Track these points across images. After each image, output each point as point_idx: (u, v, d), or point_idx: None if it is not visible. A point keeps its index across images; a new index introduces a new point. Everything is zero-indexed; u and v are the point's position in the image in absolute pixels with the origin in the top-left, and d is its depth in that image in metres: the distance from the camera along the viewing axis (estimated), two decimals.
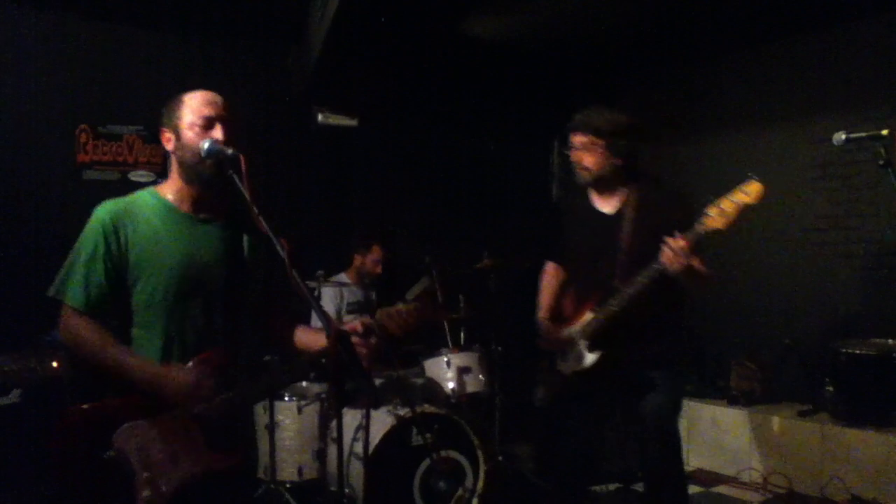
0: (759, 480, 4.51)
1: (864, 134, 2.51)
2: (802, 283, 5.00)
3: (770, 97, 5.20)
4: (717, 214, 2.53)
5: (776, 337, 5.05)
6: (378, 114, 5.31)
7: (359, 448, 3.58)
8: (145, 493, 1.90)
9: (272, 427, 3.73)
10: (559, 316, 3.19)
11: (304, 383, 4.16)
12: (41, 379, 3.25)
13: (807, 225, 5.00)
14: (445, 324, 4.55)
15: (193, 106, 2.12)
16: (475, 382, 4.27)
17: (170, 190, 2.17)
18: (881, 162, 2.45)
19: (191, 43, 4.78)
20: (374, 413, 3.61)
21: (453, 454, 3.74)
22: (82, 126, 4.35)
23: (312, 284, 4.23)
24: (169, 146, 2.15)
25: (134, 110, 4.42)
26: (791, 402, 4.76)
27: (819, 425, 4.35)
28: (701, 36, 5.30)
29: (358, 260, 4.94)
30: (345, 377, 1.98)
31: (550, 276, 3.32)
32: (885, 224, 4.56)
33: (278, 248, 1.94)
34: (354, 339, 2.07)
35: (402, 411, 3.69)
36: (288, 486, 3.78)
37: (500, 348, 4.49)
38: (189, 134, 2.10)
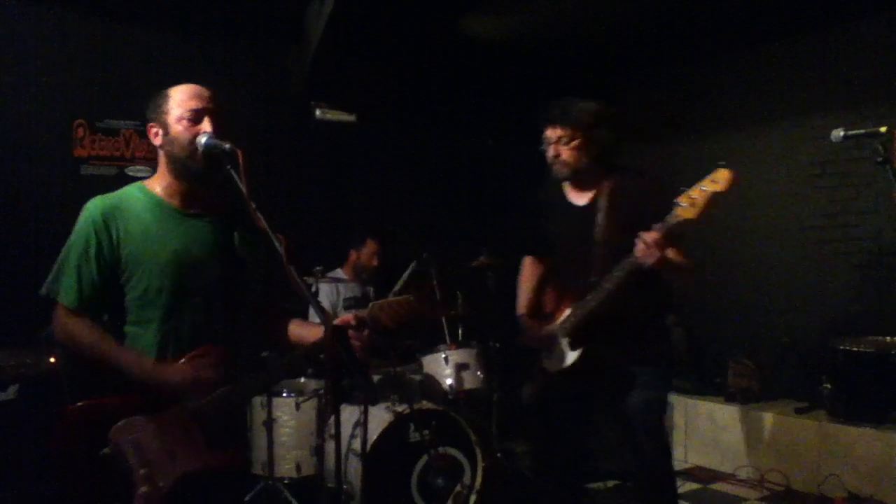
0: (757, 478, 4.52)
1: (862, 131, 2.51)
2: (800, 280, 5.01)
3: (769, 96, 5.20)
4: (689, 204, 2.48)
5: (774, 334, 5.06)
6: (376, 111, 5.30)
7: (357, 444, 3.58)
8: (143, 489, 1.91)
9: (270, 423, 3.72)
10: (540, 312, 3.16)
11: (301, 379, 4.16)
12: (38, 375, 3.24)
13: (805, 223, 5.00)
14: (443, 320, 4.55)
15: (180, 99, 2.10)
16: (473, 379, 4.27)
17: (159, 185, 2.15)
18: (879, 159, 2.45)
19: (190, 42, 4.77)
20: (372, 409, 3.62)
21: (451, 451, 3.74)
22: (79, 121, 4.34)
23: (310, 280, 4.23)
24: (157, 141, 2.14)
25: (131, 105, 4.40)
26: (788, 400, 4.77)
27: (816, 423, 4.35)
28: (700, 36, 5.30)
29: (353, 255, 4.95)
30: (342, 373, 1.98)
31: (528, 272, 3.29)
32: (883, 222, 4.57)
33: (276, 243, 1.94)
34: (349, 332, 2.07)
35: (400, 408, 3.70)
36: (286, 482, 3.78)
37: (497, 345, 4.49)
38: (178, 128, 2.08)
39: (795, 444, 4.41)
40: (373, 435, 3.55)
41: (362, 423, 3.49)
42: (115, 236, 2.05)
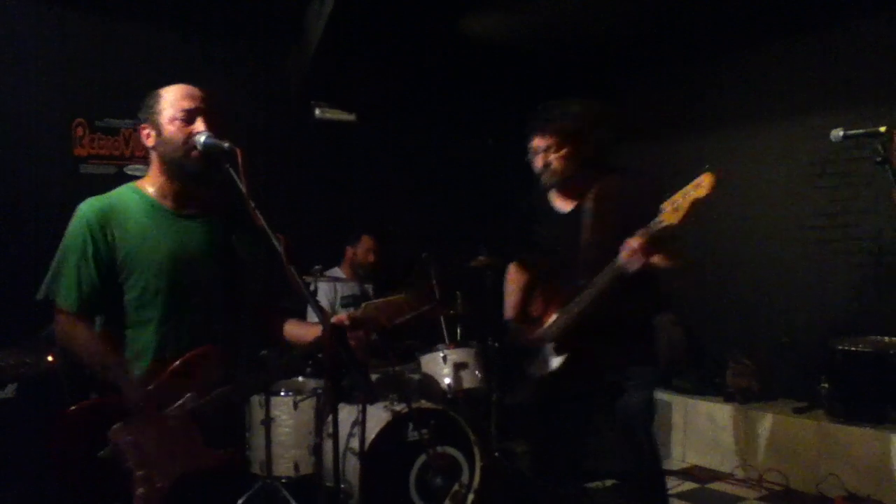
0: (755, 477, 4.52)
1: (861, 131, 2.51)
2: (800, 280, 5.01)
3: (768, 96, 5.20)
4: (672, 210, 2.47)
5: (773, 334, 5.06)
6: (376, 111, 5.30)
7: (355, 443, 3.58)
8: (141, 489, 1.91)
9: (268, 422, 3.72)
10: (528, 316, 3.16)
11: (300, 378, 4.16)
12: (37, 374, 3.24)
13: (805, 222, 5.00)
14: (442, 320, 4.55)
15: (172, 99, 2.09)
16: (471, 378, 4.27)
17: (151, 186, 2.14)
18: (878, 159, 2.45)
19: (190, 41, 4.77)
20: (370, 408, 3.62)
21: (449, 450, 3.74)
22: (79, 120, 4.34)
23: (308, 279, 4.23)
24: (149, 142, 2.12)
25: (130, 104, 4.35)
26: (787, 400, 4.77)
27: (815, 422, 4.35)
28: (700, 35, 5.30)
29: (350, 252, 4.95)
30: (341, 373, 1.98)
31: (514, 277, 3.29)
32: (882, 221, 4.57)
33: (275, 242, 1.93)
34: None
35: (399, 407, 3.70)
36: (284, 481, 3.78)
37: (496, 344, 4.49)
38: (171, 128, 2.07)
39: (794, 443, 4.41)
40: (371, 434, 3.54)
41: (360, 423, 3.48)
42: (111, 238, 2.04)
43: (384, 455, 3.58)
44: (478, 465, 3.81)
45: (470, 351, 4.33)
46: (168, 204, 2.13)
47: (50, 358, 3.24)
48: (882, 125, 2.45)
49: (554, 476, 3.25)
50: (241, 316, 2.22)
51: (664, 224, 2.50)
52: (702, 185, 2.42)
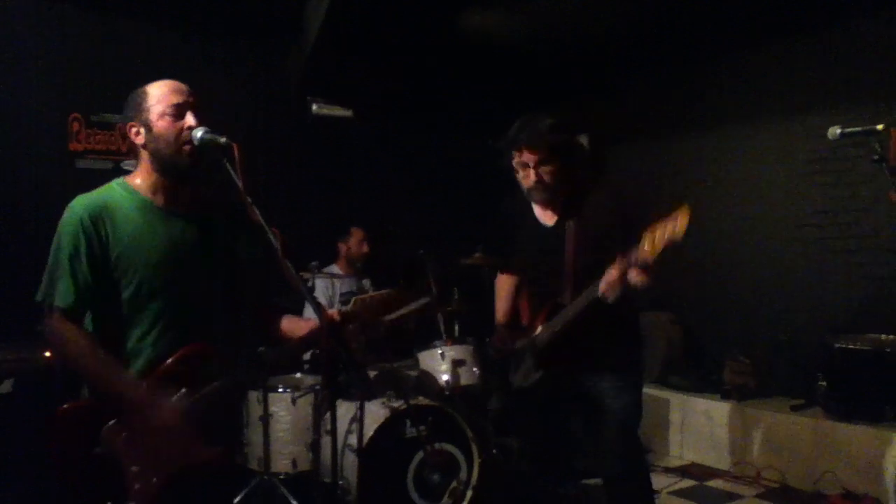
0: (753, 474, 4.52)
1: (858, 129, 2.51)
2: (797, 278, 5.01)
3: (767, 94, 5.19)
4: (650, 243, 2.46)
5: (770, 332, 5.06)
6: (374, 108, 5.30)
7: (353, 440, 3.58)
8: (136, 485, 1.91)
9: (266, 419, 3.72)
10: (518, 321, 3.18)
11: (297, 375, 4.16)
12: (34, 369, 3.24)
13: (801, 220, 5.00)
14: (440, 316, 4.55)
15: (160, 95, 2.07)
16: (469, 375, 4.27)
17: (142, 183, 2.12)
18: (876, 157, 2.45)
19: (187, 36, 4.77)
20: (368, 405, 3.61)
21: (447, 447, 3.74)
22: (74, 115, 4.33)
23: (306, 276, 4.23)
24: (138, 140, 2.09)
25: (126, 99, 4.39)
26: (784, 397, 4.77)
27: (812, 420, 4.36)
28: (699, 35, 5.29)
29: (343, 248, 4.96)
30: (338, 369, 1.98)
31: (502, 282, 3.32)
32: (880, 219, 4.57)
33: (271, 238, 1.93)
34: None
35: (397, 403, 3.70)
36: (282, 477, 3.78)
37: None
38: (161, 124, 2.05)
39: (791, 441, 4.42)
40: (369, 430, 3.54)
41: (358, 419, 3.48)
42: (104, 236, 2.02)
43: (382, 451, 3.58)
44: (475, 461, 3.81)
45: (467, 348, 4.33)
46: (159, 201, 2.11)
47: (47, 353, 3.23)
48: (879, 123, 2.45)
49: (544, 474, 3.25)
50: (239, 314, 2.22)
51: (641, 257, 2.51)
52: (678, 222, 2.41)
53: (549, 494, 3.23)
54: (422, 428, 3.64)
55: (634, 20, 5.12)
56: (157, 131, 2.06)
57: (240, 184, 1.93)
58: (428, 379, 4.25)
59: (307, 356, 4.31)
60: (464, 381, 4.23)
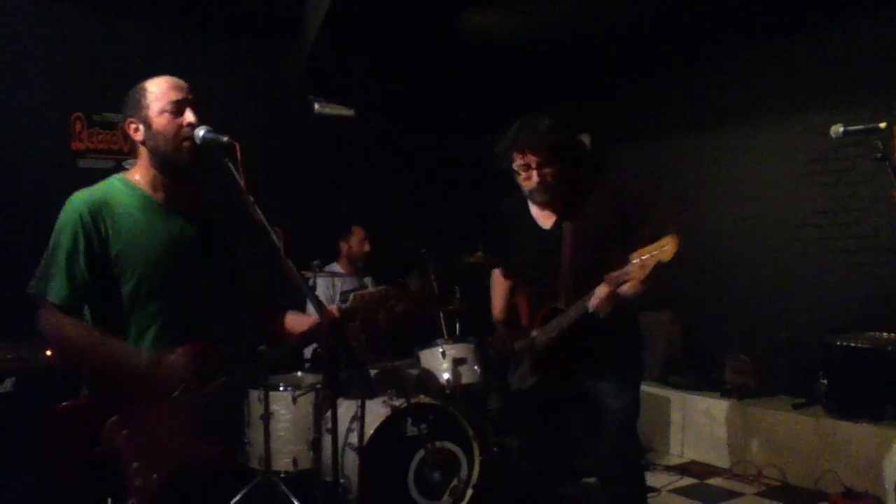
0: (754, 473, 4.52)
1: (861, 127, 2.51)
2: (797, 276, 5.01)
3: (767, 93, 5.20)
4: (639, 264, 2.48)
5: (771, 330, 5.07)
6: (375, 107, 5.29)
7: (354, 438, 3.58)
8: (137, 482, 1.91)
9: (267, 417, 3.72)
10: (516, 319, 3.17)
11: (298, 373, 4.16)
12: (35, 368, 3.24)
13: (802, 219, 5.00)
14: (441, 315, 4.55)
15: (160, 92, 2.07)
16: (470, 374, 4.27)
17: (142, 179, 2.11)
18: (878, 155, 2.45)
19: (188, 35, 4.76)
20: (369, 403, 3.61)
21: (448, 445, 3.75)
22: (76, 114, 4.33)
23: (307, 274, 4.23)
24: (138, 136, 2.09)
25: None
26: (785, 396, 4.78)
27: (813, 418, 4.36)
28: (699, 33, 5.29)
29: (344, 247, 4.97)
30: (339, 367, 1.98)
31: (498, 280, 3.30)
32: (881, 218, 4.57)
33: (273, 237, 1.93)
34: None
35: (397, 402, 3.70)
36: (282, 475, 3.77)
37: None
38: (160, 121, 2.05)
39: (792, 439, 4.42)
40: (370, 429, 3.54)
41: (359, 418, 3.48)
42: (104, 232, 2.01)
43: (383, 450, 3.58)
44: (476, 460, 3.81)
45: (468, 346, 4.33)
46: (160, 198, 2.11)
47: (48, 352, 3.24)
48: (881, 121, 2.45)
49: (544, 474, 3.25)
50: (240, 314, 2.22)
51: (629, 277, 2.53)
52: (666, 247, 2.43)
53: (550, 493, 3.23)
54: (423, 426, 3.64)
55: (634, 20, 5.12)
56: (156, 128, 2.06)
57: (242, 183, 1.93)
58: (429, 377, 4.25)
59: (308, 354, 4.32)
60: (465, 379, 4.24)
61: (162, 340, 2.05)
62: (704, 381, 5.13)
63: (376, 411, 3.66)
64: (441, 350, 4.26)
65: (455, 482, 3.73)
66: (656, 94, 5.95)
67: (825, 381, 4.37)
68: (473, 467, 3.81)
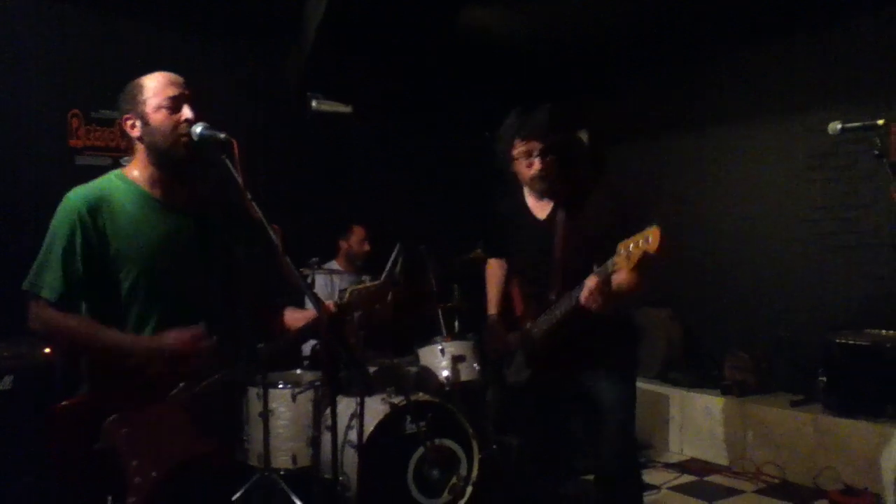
0: (753, 470, 4.53)
1: (858, 124, 2.52)
2: (796, 274, 5.01)
3: (766, 92, 5.20)
4: (625, 255, 2.47)
5: (770, 328, 5.07)
6: (374, 106, 5.30)
7: (353, 436, 3.58)
8: (136, 479, 1.91)
9: (266, 415, 3.72)
10: (510, 312, 3.16)
11: (298, 371, 4.17)
12: (33, 365, 3.24)
13: (801, 215, 5.00)
14: (440, 312, 4.56)
15: (156, 88, 2.07)
16: (469, 371, 4.28)
17: (140, 176, 2.11)
18: (876, 152, 2.46)
19: (186, 33, 4.76)
20: (368, 401, 3.62)
21: (447, 442, 3.75)
22: (74, 111, 4.33)
23: (306, 272, 4.23)
24: (135, 133, 2.09)
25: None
26: (784, 393, 4.78)
27: (812, 416, 4.36)
28: (698, 32, 5.29)
29: (343, 245, 4.97)
30: (338, 365, 1.99)
31: (494, 270, 3.29)
32: (880, 215, 4.57)
33: (271, 234, 1.93)
34: None
35: (397, 399, 3.70)
36: (282, 473, 3.78)
37: None
38: (157, 117, 2.05)
39: (791, 437, 4.42)
40: (369, 426, 3.55)
41: (358, 415, 3.47)
42: (101, 228, 2.01)
43: (382, 447, 3.58)
44: (476, 457, 3.81)
45: (467, 344, 4.34)
46: (157, 194, 2.11)
47: (47, 349, 3.23)
48: (879, 118, 2.46)
49: (544, 473, 3.26)
50: (238, 311, 2.22)
51: (616, 268, 2.52)
52: (650, 239, 2.41)
53: (549, 492, 3.23)
54: (422, 424, 3.65)
55: (634, 20, 5.12)
56: (153, 124, 2.06)
57: (239, 180, 1.93)
58: (428, 375, 4.26)
59: (307, 352, 4.32)
60: (464, 377, 4.25)
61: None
62: (704, 378, 5.13)
63: (375, 409, 3.66)
64: (440, 347, 4.27)
65: (454, 480, 3.74)
66: (656, 93, 5.95)
67: (824, 379, 4.37)
68: (473, 465, 3.81)
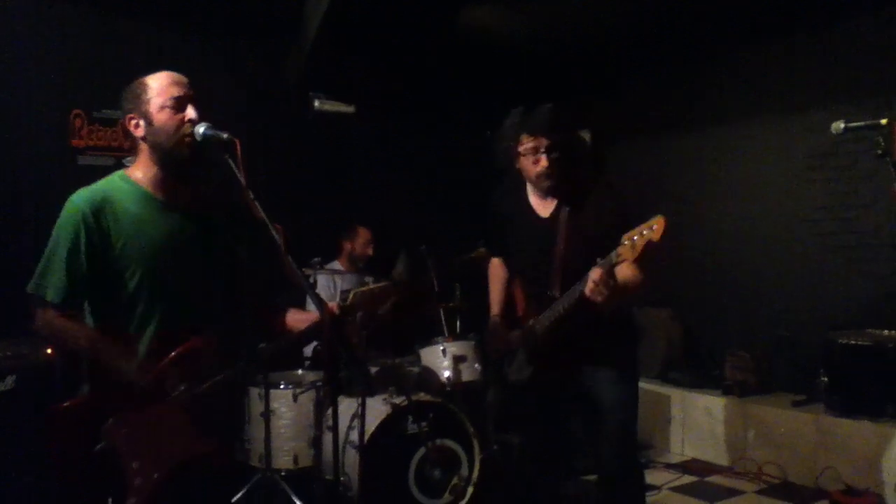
0: (754, 470, 4.52)
1: (862, 123, 2.51)
2: (798, 273, 5.01)
3: (768, 91, 5.19)
4: (630, 245, 2.46)
5: (771, 328, 5.06)
6: (374, 105, 5.30)
7: (354, 436, 3.58)
8: (137, 480, 1.91)
9: (267, 415, 3.72)
10: (513, 312, 3.15)
11: (299, 371, 4.17)
12: (35, 365, 3.23)
13: (803, 215, 5.00)
14: (441, 312, 4.55)
15: (160, 87, 2.07)
16: (471, 371, 4.28)
17: (143, 176, 2.11)
18: (879, 152, 2.45)
19: (188, 33, 4.76)
20: (369, 401, 3.61)
21: (448, 443, 3.75)
22: (76, 111, 4.32)
23: (308, 272, 4.23)
24: (138, 132, 2.09)
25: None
26: (786, 393, 4.77)
27: (813, 416, 4.36)
28: (699, 32, 5.29)
29: (347, 246, 4.96)
30: (339, 365, 1.98)
31: (497, 270, 3.29)
32: (882, 215, 4.57)
33: (273, 233, 1.93)
34: None
35: (398, 400, 3.70)
36: (283, 473, 3.78)
37: None
38: (161, 117, 2.05)
39: (792, 437, 4.42)
40: (370, 427, 3.55)
41: (360, 415, 3.48)
42: (105, 230, 2.01)
43: (383, 448, 3.58)
44: (477, 457, 3.81)
45: (469, 344, 4.33)
46: (161, 195, 2.11)
47: (49, 350, 3.23)
48: (882, 118, 2.45)
49: (544, 473, 3.25)
50: (241, 311, 2.22)
51: (621, 258, 2.51)
52: (655, 227, 2.41)
53: (550, 492, 3.23)
54: (423, 424, 3.65)
55: (635, 19, 5.12)
56: (157, 124, 2.06)
57: (242, 180, 1.93)
58: (429, 375, 4.25)
59: (308, 353, 4.32)
60: (465, 377, 4.24)
61: (161, 337, 2.05)
62: (705, 378, 5.13)
63: (377, 409, 3.66)
64: (442, 348, 4.27)
65: (456, 480, 3.74)
66: (656, 93, 5.95)
67: (825, 379, 4.37)
68: (474, 465, 3.81)
